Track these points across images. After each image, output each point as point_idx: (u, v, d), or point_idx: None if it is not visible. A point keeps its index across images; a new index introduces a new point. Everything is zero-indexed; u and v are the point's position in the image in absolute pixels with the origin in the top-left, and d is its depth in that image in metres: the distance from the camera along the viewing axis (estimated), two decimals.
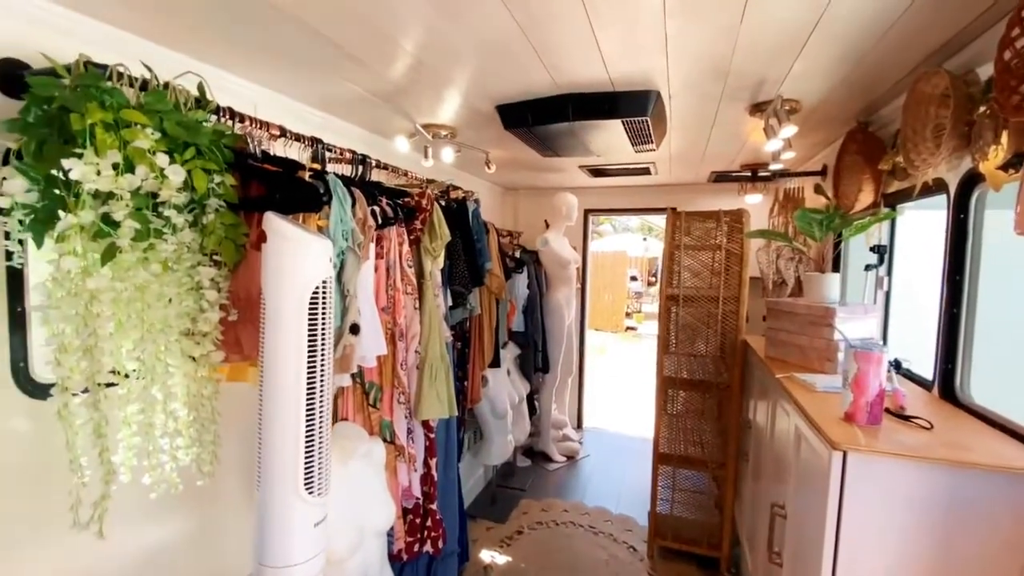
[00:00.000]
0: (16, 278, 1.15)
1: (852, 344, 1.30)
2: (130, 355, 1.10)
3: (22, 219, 0.99)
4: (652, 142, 2.11)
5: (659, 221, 12.69)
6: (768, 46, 1.41)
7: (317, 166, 1.44)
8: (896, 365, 1.70)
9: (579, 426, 4.31)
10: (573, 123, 1.81)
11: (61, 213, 0.98)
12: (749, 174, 3.06)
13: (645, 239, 14.00)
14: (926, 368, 1.59)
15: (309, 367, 1.08)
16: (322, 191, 1.37)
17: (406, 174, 2.10)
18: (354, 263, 1.44)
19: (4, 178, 0.98)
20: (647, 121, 1.79)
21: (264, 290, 1.09)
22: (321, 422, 1.12)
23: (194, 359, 1.22)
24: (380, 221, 1.65)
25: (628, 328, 11.57)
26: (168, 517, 1.47)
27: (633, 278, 13.47)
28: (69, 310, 1.00)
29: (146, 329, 1.12)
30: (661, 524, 2.57)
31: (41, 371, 1.19)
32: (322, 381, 1.12)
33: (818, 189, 2.10)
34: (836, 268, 2.30)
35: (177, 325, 1.18)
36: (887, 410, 1.31)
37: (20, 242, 1.02)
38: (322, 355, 1.11)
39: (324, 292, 1.12)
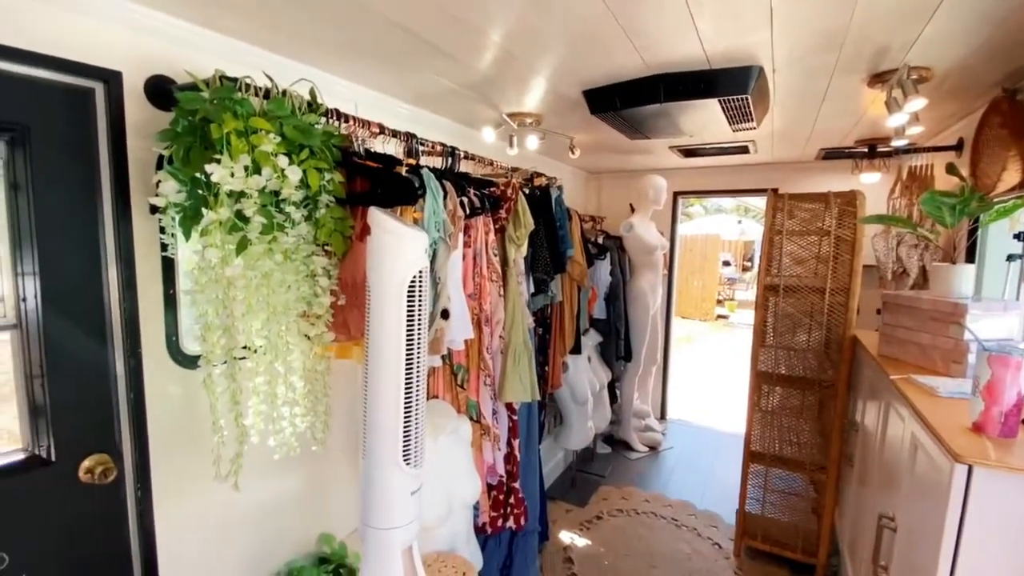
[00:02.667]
0: (169, 266, 1.35)
1: (986, 346, 1.15)
2: (258, 333, 1.25)
3: (174, 216, 1.16)
4: (752, 120, 1.97)
5: (756, 202, 11.82)
6: (893, 10, 1.26)
7: (412, 161, 1.52)
8: None
9: (662, 417, 4.21)
10: (664, 104, 1.74)
11: (204, 210, 1.14)
12: (865, 151, 2.75)
13: (740, 221, 13.09)
14: None
15: (407, 349, 1.17)
16: (417, 185, 1.46)
17: (491, 164, 2.15)
18: (445, 252, 1.52)
19: (159, 181, 1.16)
20: (747, 99, 1.68)
21: (369, 278, 1.19)
22: (417, 399, 1.21)
23: (309, 338, 1.38)
24: (468, 211, 1.71)
25: (719, 316, 10.97)
26: (287, 476, 1.67)
27: (726, 263, 12.71)
28: (211, 294, 1.17)
29: (271, 311, 1.27)
30: (750, 523, 2.46)
31: (188, 345, 1.40)
32: (418, 361, 1.20)
33: (951, 168, 1.84)
34: (970, 259, 2.02)
35: (295, 308, 1.33)
36: None
37: (172, 235, 1.20)
38: (418, 338, 1.20)
39: (420, 280, 1.19)
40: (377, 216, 1.16)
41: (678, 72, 1.64)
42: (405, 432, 1.18)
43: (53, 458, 1.20)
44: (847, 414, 2.17)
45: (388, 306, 1.16)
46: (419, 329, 1.20)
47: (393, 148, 1.69)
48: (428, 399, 1.82)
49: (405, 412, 1.18)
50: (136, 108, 1.27)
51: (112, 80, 1.22)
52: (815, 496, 2.37)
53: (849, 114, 2.20)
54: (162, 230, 1.20)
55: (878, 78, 1.69)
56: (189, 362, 1.39)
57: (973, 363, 1.31)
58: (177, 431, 1.39)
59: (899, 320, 1.74)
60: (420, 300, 1.20)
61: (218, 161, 1.09)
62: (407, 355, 1.17)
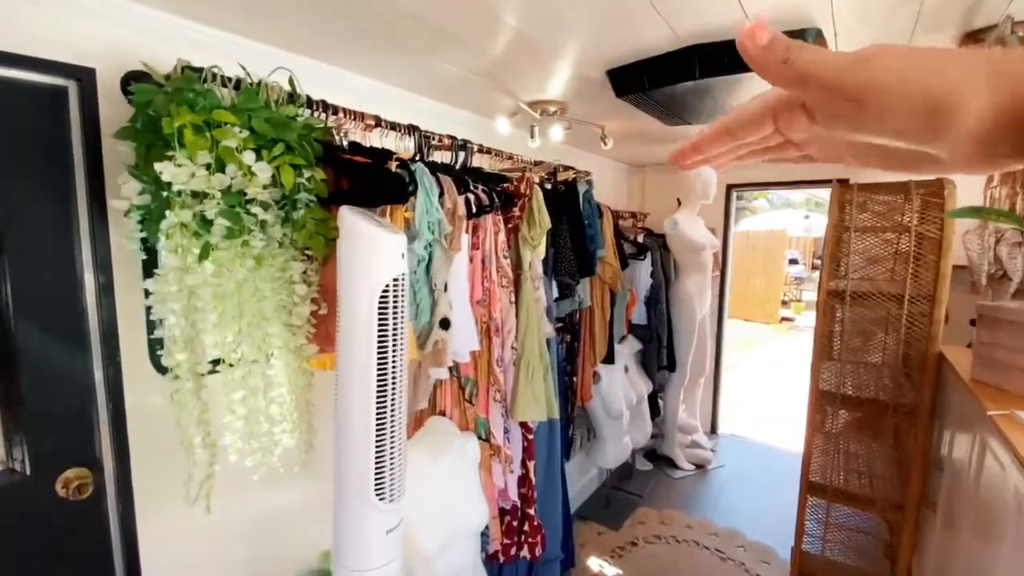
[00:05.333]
0: (149, 271, 1.28)
1: None
2: (229, 346, 1.15)
3: (140, 219, 1.08)
4: None
5: (828, 195, 10.88)
6: None
7: (405, 155, 1.38)
8: None
9: (713, 431, 3.86)
10: (700, 81, 1.49)
11: (168, 213, 1.05)
12: None
13: (807, 216, 12.14)
14: None
15: (379, 369, 1.03)
16: (408, 181, 1.31)
17: (511, 157, 1.98)
18: (442, 255, 1.37)
19: (124, 183, 1.08)
20: None
21: (339, 287, 1.06)
22: (394, 425, 1.06)
23: (290, 351, 1.27)
24: (475, 210, 1.55)
25: (783, 319, 10.20)
26: (285, 490, 1.57)
27: (793, 261, 11.82)
28: (173, 304, 1.07)
29: (245, 322, 1.17)
30: (808, 564, 2.15)
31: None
32: (394, 383, 1.05)
33: None
34: None
35: (274, 318, 1.22)
36: None
37: (144, 240, 1.12)
38: (394, 356, 1.05)
39: (396, 289, 1.04)
40: (346, 216, 1.03)
41: (715, 42, 1.40)
42: (378, 465, 1.04)
43: (28, 472, 1.15)
44: (930, 448, 1.82)
45: (356, 320, 1.02)
46: (395, 346, 1.05)
47: (394, 143, 1.56)
48: (435, 415, 1.69)
49: (378, 442, 1.03)
50: (112, 106, 1.19)
51: (85, 78, 1.16)
52: (887, 538, 2.02)
53: None
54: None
55: (971, 37, 1.37)
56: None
57: None
58: (162, 444, 1.32)
59: (999, 338, 1.41)
60: (397, 312, 1.05)
61: (170, 158, 0.99)
62: (379, 376, 1.02)
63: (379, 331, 1.02)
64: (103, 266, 1.21)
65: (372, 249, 1.00)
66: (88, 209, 1.18)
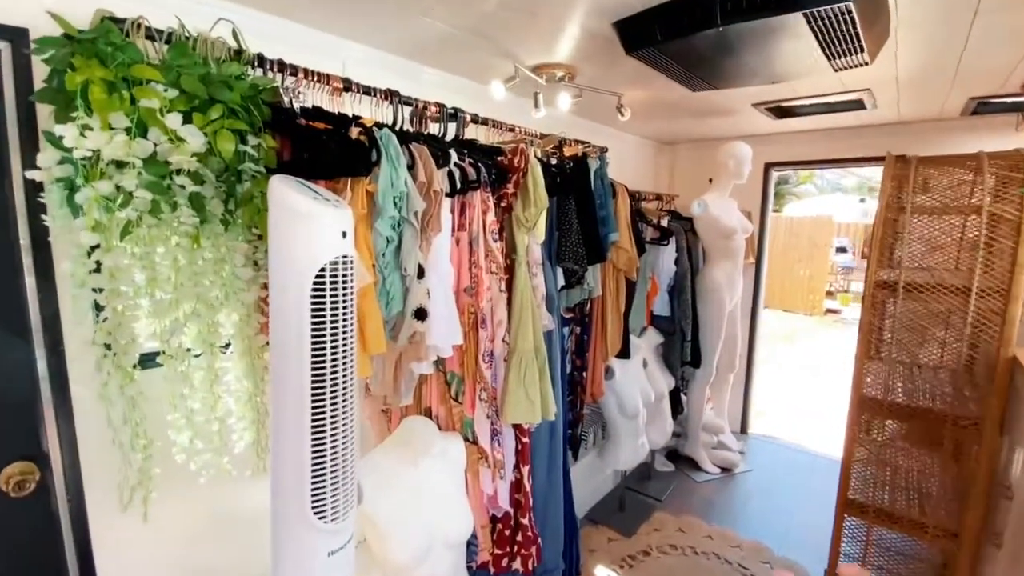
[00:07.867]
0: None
1: None
2: (162, 336, 1.03)
3: (61, 192, 0.96)
4: (860, 51, 1.40)
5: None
6: None
7: (368, 121, 1.21)
8: None
9: (743, 431, 3.58)
10: (724, 29, 1.25)
11: (80, 184, 0.92)
12: None
13: (863, 200, 11.33)
14: None
15: (316, 367, 0.87)
16: (371, 149, 1.15)
17: (512, 129, 1.78)
18: (412, 236, 1.20)
19: (43, 150, 0.95)
20: (848, 11, 1.15)
21: (269, 270, 0.91)
22: (335, 434, 0.91)
23: (241, 342, 1.14)
24: (460, 185, 1.38)
25: (828, 311, 9.58)
26: (260, 488, 1.46)
27: (841, 249, 11.08)
28: (93, 289, 0.95)
29: (182, 311, 1.04)
30: None
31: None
32: (335, 384, 0.90)
33: None
34: None
35: (221, 306, 1.10)
36: None
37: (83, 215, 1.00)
38: (335, 352, 0.89)
39: (336, 274, 0.89)
40: (274, 187, 0.87)
41: None
42: (316, 481, 0.89)
43: None
44: (995, 470, 1.54)
45: (287, 309, 0.87)
46: (336, 340, 0.89)
47: (370, 109, 1.39)
48: (420, 413, 1.54)
49: (315, 454, 0.88)
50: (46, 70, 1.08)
51: (17, 39, 1.05)
52: (940, 565, 1.76)
53: (1015, 38, 1.52)
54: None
55: None
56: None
57: None
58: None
59: None
60: (336, 299, 0.89)
61: (73, 119, 0.86)
62: (315, 375, 0.87)
63: (314, 322, 0.86)
64: (43, 247, 1.10)
65: (302, 225, 0.84)
66: (24, 184, 1.07)
